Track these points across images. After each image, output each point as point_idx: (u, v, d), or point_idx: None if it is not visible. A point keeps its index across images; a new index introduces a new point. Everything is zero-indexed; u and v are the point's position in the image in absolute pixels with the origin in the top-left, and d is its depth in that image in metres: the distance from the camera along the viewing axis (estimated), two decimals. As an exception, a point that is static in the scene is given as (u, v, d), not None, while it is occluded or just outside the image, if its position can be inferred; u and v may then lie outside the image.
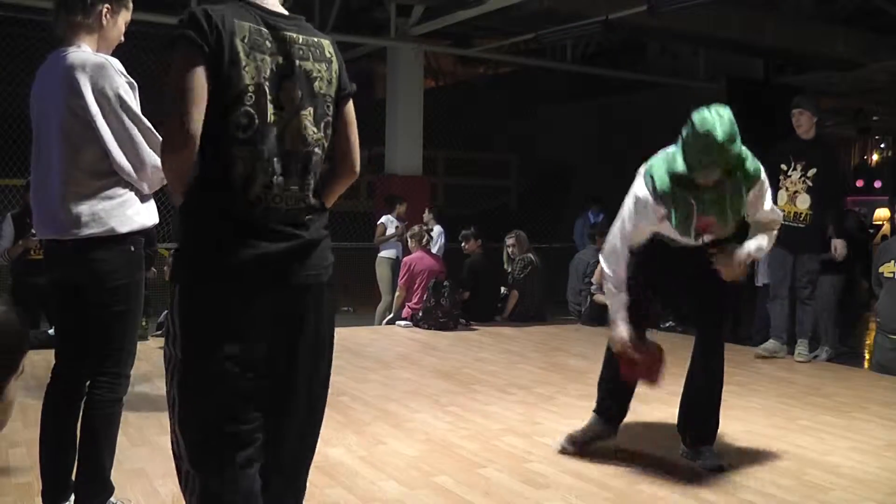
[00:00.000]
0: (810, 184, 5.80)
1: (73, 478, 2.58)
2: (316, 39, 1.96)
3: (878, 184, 20.22)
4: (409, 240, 8.09)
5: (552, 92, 15.02)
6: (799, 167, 5.84)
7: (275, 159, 1.86)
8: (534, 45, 11.15)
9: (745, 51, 11.21)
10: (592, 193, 11.03)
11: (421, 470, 3.35)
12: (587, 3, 9.10)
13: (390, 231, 8.88)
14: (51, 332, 4.46)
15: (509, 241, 8.36)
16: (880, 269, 5.54)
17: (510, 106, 15.08)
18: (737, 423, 4.12)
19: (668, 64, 13.60)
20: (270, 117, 1.84)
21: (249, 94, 1.82)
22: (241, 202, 1.84)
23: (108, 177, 2.51)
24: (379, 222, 9.05)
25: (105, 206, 2.50)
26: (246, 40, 1.82)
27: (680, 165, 3.01)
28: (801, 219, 5.83)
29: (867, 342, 8.30)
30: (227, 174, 1.83)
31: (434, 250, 8.49)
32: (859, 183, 20.47)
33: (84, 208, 2.48)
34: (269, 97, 1.84)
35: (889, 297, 5.41)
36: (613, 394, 3.61)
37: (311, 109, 1.92)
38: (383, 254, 8.91)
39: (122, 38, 2.67)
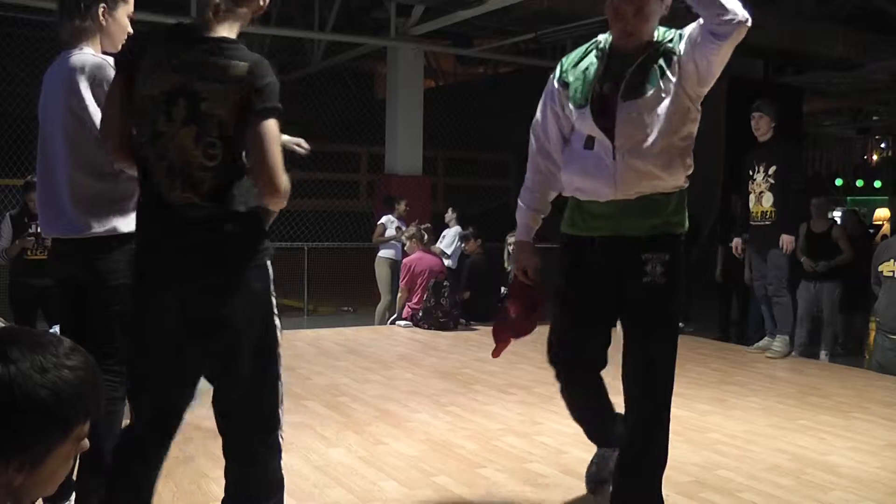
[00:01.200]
0: (772, 181, 6.05)
1: (74, 476, 2.58)
2: (225, 62, 2.08)
3: (878, 184, 20.23)
4: (406, 241, 8.06)
5: (552, 92, 15.00)
6: (761, 168, 6.13)
7: (163, 164, 2.08)
8: (534, 45, 11.15)
9: (745, 51, 11.20)
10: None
11: (421, 470, 3.35)
12: (587, 3, 9.09)
13: (390, 231, 8.88)
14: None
15: (510, 239, 8.36)
16: (880, 269, 5.54)
17: (510, 106, 15.05)
18: (737, 423, 4.13)
19: (667, 64, 13.58)
20: (161, 128, 2.06)
21: (146, 106, 2.09)
22: (152, 195, 2.12)
23: (109, 177, 2.53)
24: (379, 222, 9.05)
25: (107, 207, 2.54)
26: (154, 60, 2.10)
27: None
28: (768, 216, 6.09)
29: (867, 342, 8.30)
30: (142, 170, 2.15)
31: (450, 251, 8.50)
32: (859, 183, 20.48)
33: (87, 208, 2.52)
34: (161, 111, 2.06)
35: (888, 297, 5.40)
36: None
37: (193, 128, 2.07)
38: (382, 254, 8.91)
39: (130, 30, 2.69)
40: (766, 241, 6.07)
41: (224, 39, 2.12)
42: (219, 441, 2.22)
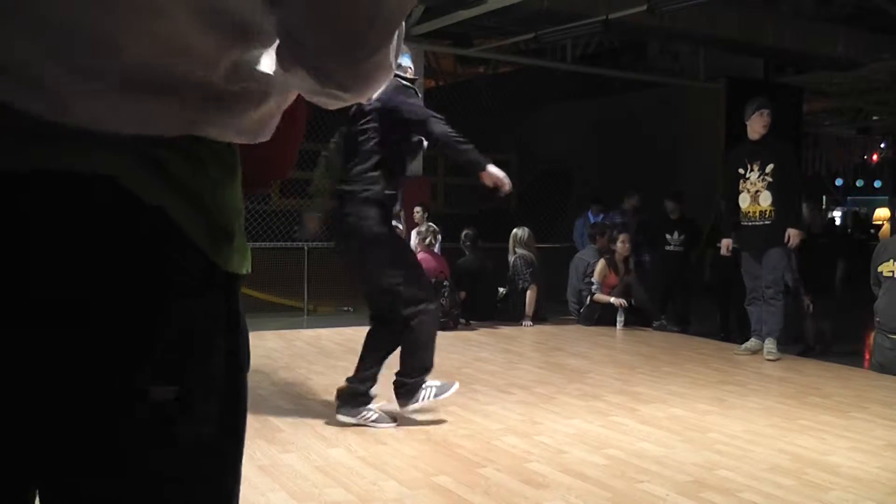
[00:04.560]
0: (770, 180, 5.97)
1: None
2: None
3: (878, 184, 20.24)
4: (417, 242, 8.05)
5: (552, 92, 15.01)
6: (756, 167, 6.03)
7: None
8: (534, 45, 11.15)
9: (745, 51, 11.21)
10: (592, 193, 11.03)
11: (421, 470, 3.35)
12: (587, 3, 9.10)
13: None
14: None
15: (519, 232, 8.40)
16: (879, 269, 5.54)
17: (510, 106, 15.05)
18: (737, 423, 4.13)
19: (668, 64, 13.60)
20: None
21: None
22: None
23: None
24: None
25: None
26: None
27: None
28: (767, 216, 6.00)
29: (867, 342, 8.30)
30: None
31: (436, 248, 8.51)
32: (859, 183, 20.50)
33: None
34: None
35: (888, 297, 5.41)
36: None
37: None
38: (383, 254, 8.89)
39: None
40: (764, 240, 5.97)
41: None
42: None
